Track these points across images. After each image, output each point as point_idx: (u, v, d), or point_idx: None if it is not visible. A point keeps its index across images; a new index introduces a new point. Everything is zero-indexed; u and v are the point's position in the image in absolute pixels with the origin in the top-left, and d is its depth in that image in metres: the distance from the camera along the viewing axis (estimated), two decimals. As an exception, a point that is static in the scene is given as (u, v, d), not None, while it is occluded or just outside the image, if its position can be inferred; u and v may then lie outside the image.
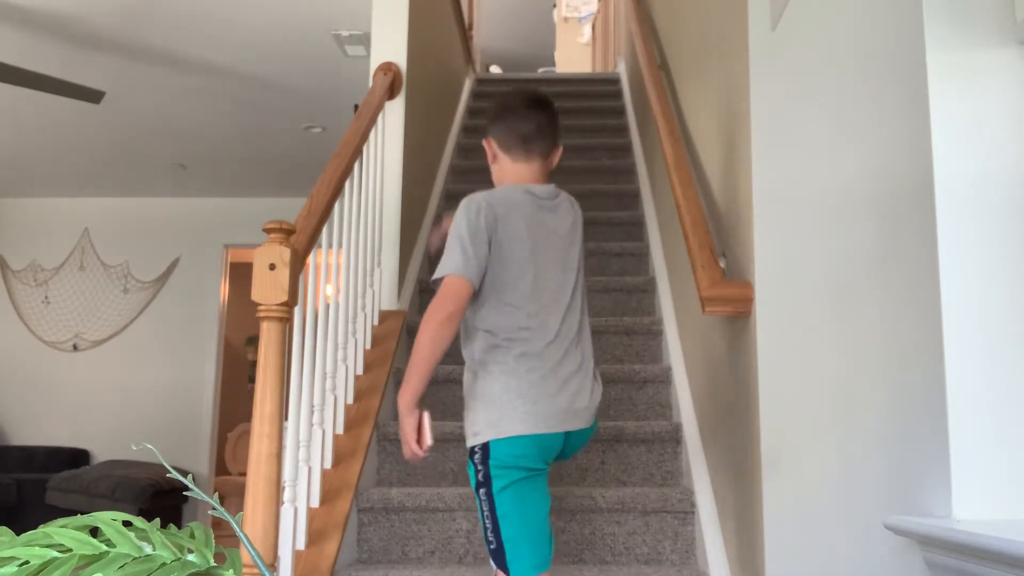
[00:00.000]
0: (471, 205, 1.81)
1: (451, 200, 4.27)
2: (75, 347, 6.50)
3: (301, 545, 2.11)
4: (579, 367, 1.81)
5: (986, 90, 1.00)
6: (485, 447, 1.71)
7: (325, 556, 2.13)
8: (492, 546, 1.70)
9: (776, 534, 1.69)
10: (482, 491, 1.70)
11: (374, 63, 3.39)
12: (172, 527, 0.72)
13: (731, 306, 1.92)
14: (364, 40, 4.17)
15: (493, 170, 1.95)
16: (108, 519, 0.68)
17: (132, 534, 0.68)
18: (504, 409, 1.72)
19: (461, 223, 1.79)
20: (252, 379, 3.28)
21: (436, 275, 1.76)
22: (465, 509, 2.40)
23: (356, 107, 3.97)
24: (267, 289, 1.86)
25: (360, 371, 2.79)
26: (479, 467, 1.71)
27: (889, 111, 1.13)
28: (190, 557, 0.67)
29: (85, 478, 5.46)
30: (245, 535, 0.72)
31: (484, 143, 1.95)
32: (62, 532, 0.66)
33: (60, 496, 5.44)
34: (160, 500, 5.50)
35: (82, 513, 0.70)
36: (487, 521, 1.70)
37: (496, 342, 1.78)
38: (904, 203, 1.08)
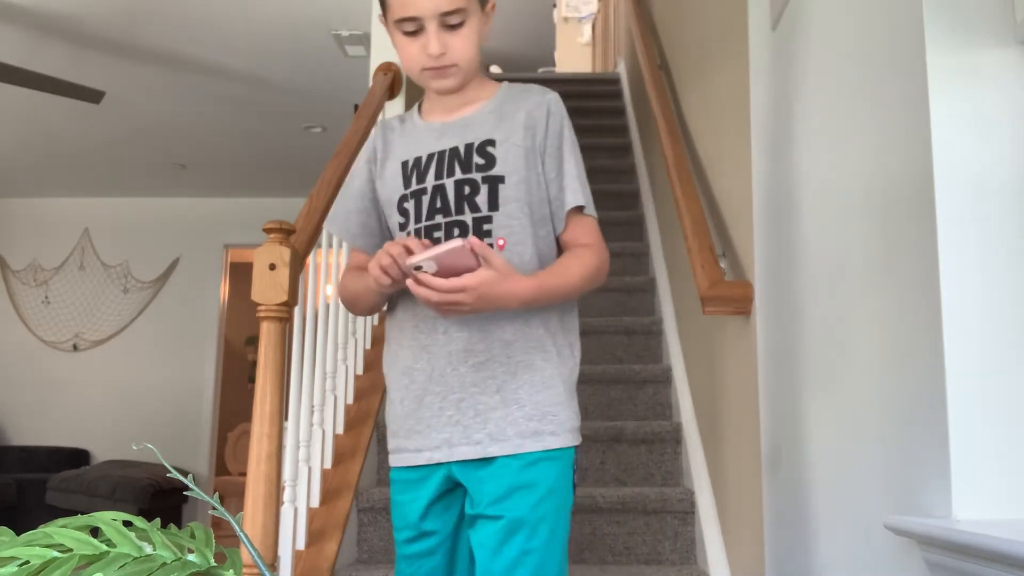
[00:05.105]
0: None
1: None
2: (75, 347, 6.50)
3: (301, 545, 2.11)
4: None
5: (986, 90, 1.00)
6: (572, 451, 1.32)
7: (325, 556, 2.13)
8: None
9: (776, 534, 1.69)
10: (568, 505, 1.31)
11: (374, 63, 3.39)
12: (172, 527, 0.72)
13: (731, 306, 1.92)
14: (364, 40, 4.17)
15: (476, 44, 1.34)
16: (108, 519, 0.68)
17: (132, 534, 0.68)
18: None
19: (574, 138, 1.40)
20: (252, 379, 3.27)
21: (588, 210, 1.38)
22: (465, 509, 2.40)
23: (356, 107, 3.97)
24: (267, 289, 1.86)
25: (360, 371, 2.79)
26: (575, 469, 1.33)
27: (889, 111, 1.13)
28: (190, 557, 0.67)
29: (85, 478, 5.46)
30: (245, 535, 0.72)
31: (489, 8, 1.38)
32: (62, 532, 0.66)
33: (60, 496, 5.45)
34: (160, 500, 5.50)
35: (82, 513, 0.70)
36: (559, 549, 1.29)
37: (576, 311, 1.41)
38: (904, 203, 1.08)
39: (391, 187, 1.40)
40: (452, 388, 1.30)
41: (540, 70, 8.55)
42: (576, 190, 1.36)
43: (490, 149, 1.34)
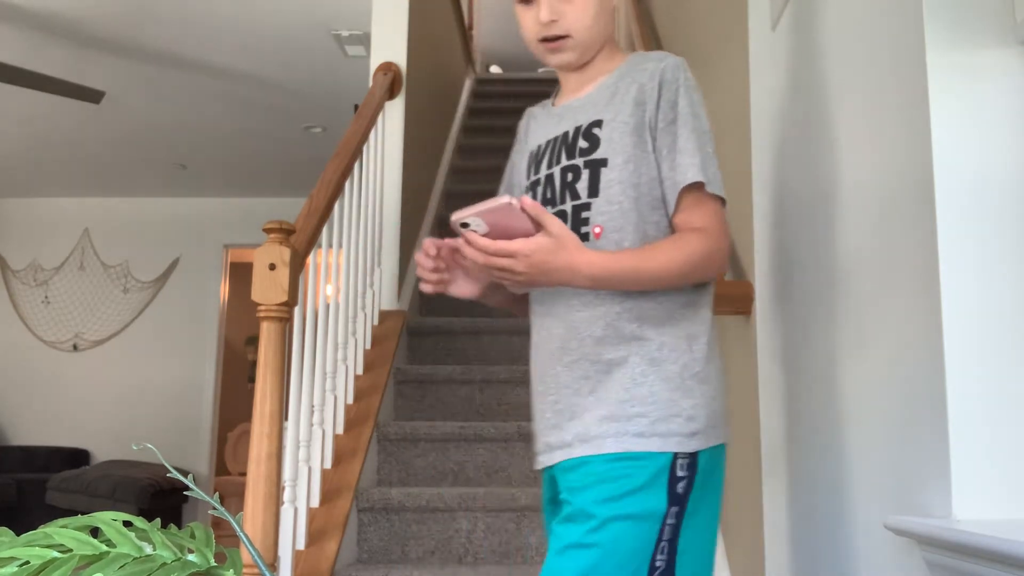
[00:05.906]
0: (692, 78, 1.26)
1: (451, 200, 4.27)
2: (75, 347, 6.50)
3: (301, 545, 2.11)
4: None
5: (986, 90, 1.00)
6: (696, 455, 1.16)
7: (325, 556, 2.13)
8: None
9: (776, 534, 1.69)
10: (674, 510, 1.14)
11: (374, 63, 3.40)
12: (172, 527, 0.72)
13: (731, 306, 1.92)
14: (364, 40, 4.17)
15: (595, 14, 1.26)
16: (108, 519, 0.68)
17: (132, 534, 0.68)
18: (723, 402, 1.22)
19: (700, 110, 1.24)
20: (252, 379, 3.28)
21: (711, 187, 1.20)
22: (465, 509, 2.40)
23: (356, 107, 3.97)
24: (267, 289, 1.86)
25: (360, 371, 2.79)
26: (681, 476, 1.15)
27: (889, 111, 1.13)
28: (190, 557, 0.67)
29: (85, 478, 5.46)
30: (245, 535, 0.72)
31: None
32: (62, 532, 0.66)
33: (60, 496, 5.45)
34: (160, 500, 5.50)
35: (82, 513, 0.70)
36: (661, 555, 1.13)
37: (709, 299, 1.26)
38: (904, 203, 1.08)
39: (521, 178, 1.38)
40: (550, 389, 1.23)
41: (540, 70, 8.54)
42: (690, 166, 1.19)
43: (596, 131, 1.24)
